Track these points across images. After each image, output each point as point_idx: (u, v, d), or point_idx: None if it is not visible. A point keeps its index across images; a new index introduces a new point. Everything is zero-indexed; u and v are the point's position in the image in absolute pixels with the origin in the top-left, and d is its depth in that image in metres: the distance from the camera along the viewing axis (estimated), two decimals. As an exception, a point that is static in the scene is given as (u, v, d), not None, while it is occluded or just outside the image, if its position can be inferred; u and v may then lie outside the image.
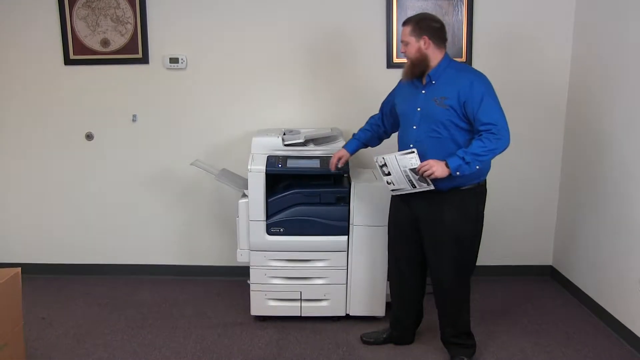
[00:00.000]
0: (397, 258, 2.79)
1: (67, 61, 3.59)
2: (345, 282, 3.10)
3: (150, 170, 3.73)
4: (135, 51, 3.57)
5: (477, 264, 2.70)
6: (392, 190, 2.62)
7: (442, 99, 2.46)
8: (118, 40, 3.57)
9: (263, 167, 2.98)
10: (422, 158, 2.45)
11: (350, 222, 3.03)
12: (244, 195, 3.08)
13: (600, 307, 3.16)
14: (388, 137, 2.94)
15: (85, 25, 3.55)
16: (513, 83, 3.52)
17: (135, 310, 3.33)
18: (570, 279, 3.54)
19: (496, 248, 3.70)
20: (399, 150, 2.57)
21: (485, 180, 2.61)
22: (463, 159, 2.38)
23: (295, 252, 3.06)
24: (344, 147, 2.91)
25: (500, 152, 2.42)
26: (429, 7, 3.45)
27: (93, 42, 3.58)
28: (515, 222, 3.73)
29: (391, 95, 2.82)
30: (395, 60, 3.52)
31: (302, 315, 3.13)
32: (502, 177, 3.56)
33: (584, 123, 3.37)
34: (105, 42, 3.57)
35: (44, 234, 3.83)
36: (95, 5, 3.53)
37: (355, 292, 3.10)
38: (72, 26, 3.55)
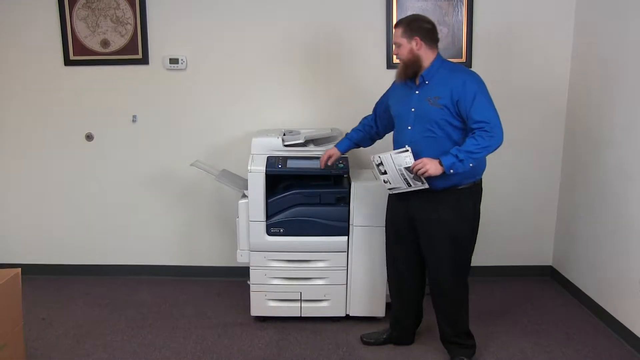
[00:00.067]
0: (395, 258, 2.79)
1: (67, 62, 3.59)
2: (345, 283, 3.10)
3: (150, 171, 3.73)
4: (135, 52, 3.57)
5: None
6: (389, 189, 2.62)
7: (435, 98, 2.47)
8: (118, 41, 3.57)
9: (263, 168, 2.98)
10: (418, 158, 2.46)
11: (350, 222, 3.03)
12: (244, 196, 3.09)
13: (600, 307, 3.16)
14: (380, 138, 2.95)
15: (85, 26, 3.55)
16: (513, 83, 3.53)
17: (135, 311, 3.33)
18: (570, 279, 3.54)
19: (496, 248, 3.71)
20: None
21: (481, 179, 2.62)
22: (456, 156, 2.38)
23: (295, 253, 3.06)
24: (335, 145, 2.93)
25: (493, 150, 2.42)
26: (428, 7, 3.45)
27: (93, 43, 3.58)
28: (515, 223, 3.73)
29: (385, 96, 2.83)
30: (396, 60, 3.49)
31: (302, 315, 3.13)
32: (502, 177, 3.57)
33: (584, 123, 3.37)
34: (105, 43, 3.57)
35: (44, 234, 3.83)
36: (95, 5, 3.53)
37: (355, 293, 3.11)
38: (72, 27, 3.55)
